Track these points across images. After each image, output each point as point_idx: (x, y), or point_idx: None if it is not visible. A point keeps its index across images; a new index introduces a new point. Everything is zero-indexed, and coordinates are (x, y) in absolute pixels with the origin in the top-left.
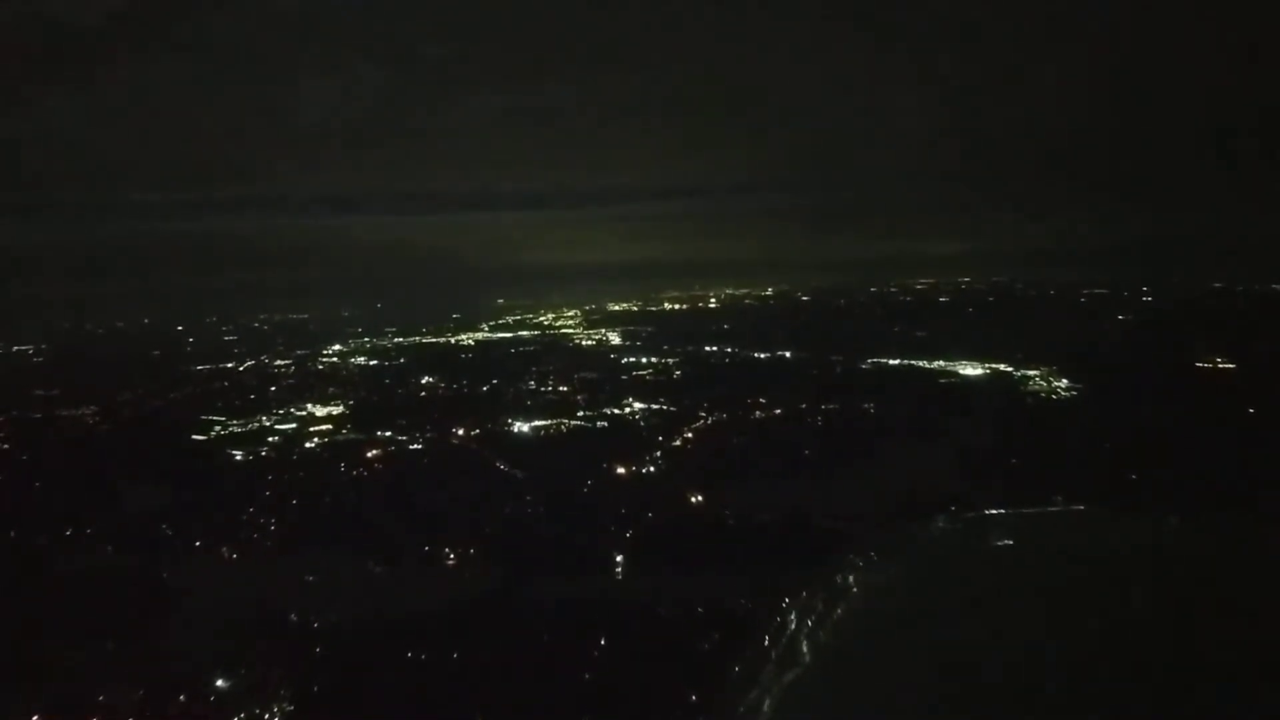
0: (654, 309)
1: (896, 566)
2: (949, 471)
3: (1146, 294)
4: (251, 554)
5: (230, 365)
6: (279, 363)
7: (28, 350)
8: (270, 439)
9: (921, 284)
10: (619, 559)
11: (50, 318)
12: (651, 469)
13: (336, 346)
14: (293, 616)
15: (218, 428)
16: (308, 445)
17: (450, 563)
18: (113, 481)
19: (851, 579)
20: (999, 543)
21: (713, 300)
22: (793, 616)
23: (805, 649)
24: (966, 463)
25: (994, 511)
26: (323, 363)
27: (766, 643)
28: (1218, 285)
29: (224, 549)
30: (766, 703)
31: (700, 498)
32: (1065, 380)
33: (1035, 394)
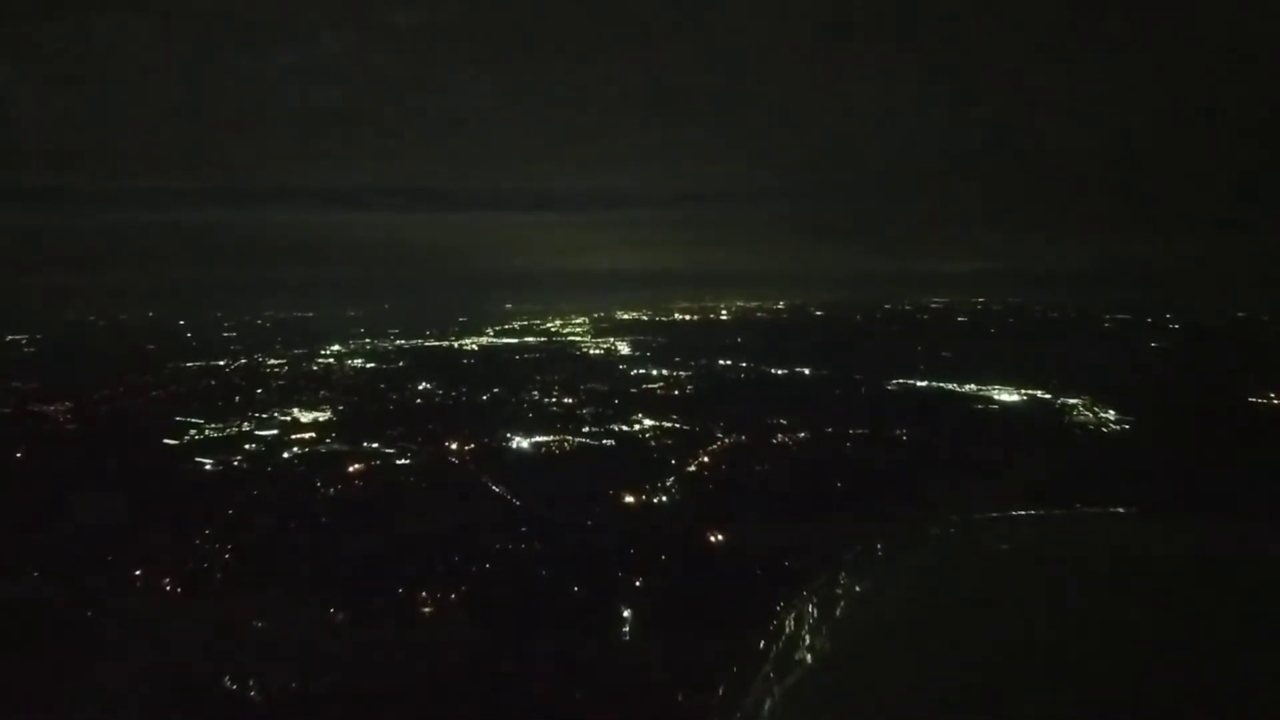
0: (664, 319)
1: (899, 566)
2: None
3: (1171, 321)
4: (196, 589)
5: (222, 363)
6: (272, 362)
7: (20, 340)
8: (246, 446)
9: (937, 303)
10: (626, 615)
11: (53, 308)
12: (664, 499)
13: (336, 347)
14: (228, 681)
15: (193, 431)
16: (285, 455)
17: (426, 610)
18: (60, 490)
19: (853, 579)
20: (1003, 544)
21: (724, 312)
22: (792, 617)
23: (805, 650)
24: (1029, 504)
25: (999, 513)
26: (318, 364)
27: (765, 644)
28: (1241, 315)
29: (166, 580)
30: (767, 704)
31: (722, 537)
32: (1112, 411)
33: (1083, 425)
